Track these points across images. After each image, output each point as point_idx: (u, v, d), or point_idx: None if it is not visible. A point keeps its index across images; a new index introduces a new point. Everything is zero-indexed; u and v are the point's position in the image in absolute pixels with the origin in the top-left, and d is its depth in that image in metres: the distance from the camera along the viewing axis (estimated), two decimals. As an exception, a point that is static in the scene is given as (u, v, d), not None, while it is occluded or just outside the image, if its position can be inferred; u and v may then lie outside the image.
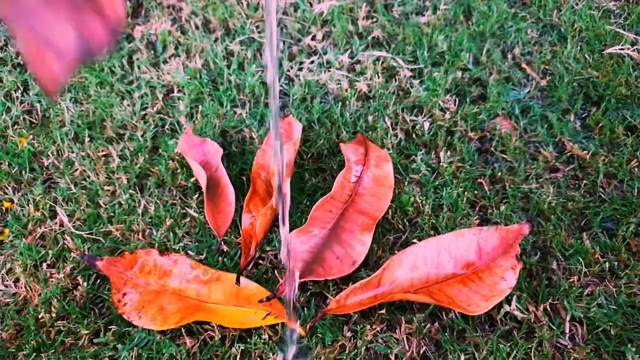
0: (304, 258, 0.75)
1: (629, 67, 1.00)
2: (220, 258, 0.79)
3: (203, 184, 0.82)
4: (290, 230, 0.81)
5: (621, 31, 1.08)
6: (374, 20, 1.13)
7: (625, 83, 0.98)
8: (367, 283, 0.71)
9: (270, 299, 0.71)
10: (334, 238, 0.77)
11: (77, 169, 0.90)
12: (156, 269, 0.74)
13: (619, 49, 1.04)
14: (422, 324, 0.71)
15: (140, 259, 0.74)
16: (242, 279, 0.74)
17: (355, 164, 0.84)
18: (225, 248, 0.80)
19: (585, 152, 0.89)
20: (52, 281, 0.76)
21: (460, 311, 0.70)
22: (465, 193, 0.84)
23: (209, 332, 0.71)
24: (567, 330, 0.71)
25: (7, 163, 0.91)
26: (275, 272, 0.77)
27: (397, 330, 0.71)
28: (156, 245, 0.80)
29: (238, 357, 0.69)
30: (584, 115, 0.96)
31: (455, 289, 0.71)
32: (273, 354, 0.69)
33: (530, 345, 0.69)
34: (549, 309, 0.73)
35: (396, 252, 0.77)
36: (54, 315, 0.73)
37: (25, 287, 0.76)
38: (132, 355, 0.69)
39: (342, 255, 0.76)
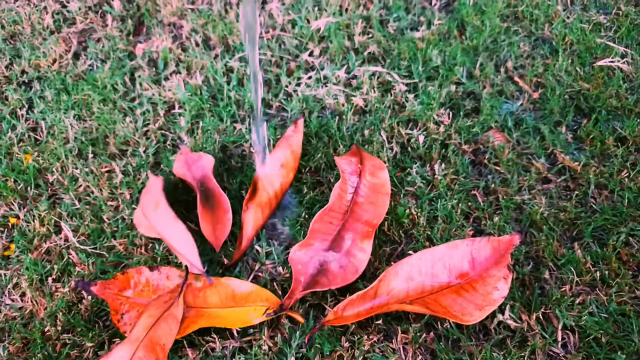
0: (308, 270, 0.77)
1: (619, 79, 1.03)
2: (220, 270, 0.81)
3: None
4: (291, 244, 0.83)
5: (611, 44, 1.10)
6: (370, 36, 1.16)
7: (616, 95, 1.01)
8: (364, 294, 0.73)
9: (277, 313, 0.73)
10: (335, 248, 0.79)
11: (81, 185, 0.92)
12: (149, 285, 0.76)
13: (609, 62, 1.07)
14: (418, 334, 0.73)
15: (132, 278, 0.76)
16: (237, 281, 0.76)
17: (350, 174, 0.86)
18: (225, 261, 0.82)
19: (577, 163, 0.91)
20: (58, 295, 0.78)
21: (454, 321, 0.72)
22: (460, 205, 0.87)
23: (210, 343, 0.73)
24: (560, 339, 0.73)
25: (13, 180, 0.93)
26: (275, 284, 0.79)
27: (393, 340, 0.73)
28: (158, 259, 0.82)
29: (239, 367, 0.71)
30: (575, 127, 0.98)
31: (449, 298, 0.73)
32: (273, 365, 0.71)
33: (523, 354, 0.71)
34: (541, 317, 0.74)
35: (392, 263, 0.79)
36: (59, 328, 0.75)
37: (31, 301, 0.78)
38: (135, 367, 0.71)
39: (345, 264, 0.78)
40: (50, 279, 0.80)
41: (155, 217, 0.79)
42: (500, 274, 0.72)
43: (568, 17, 1.17)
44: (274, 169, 0.84)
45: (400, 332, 0.73)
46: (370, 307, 0.73)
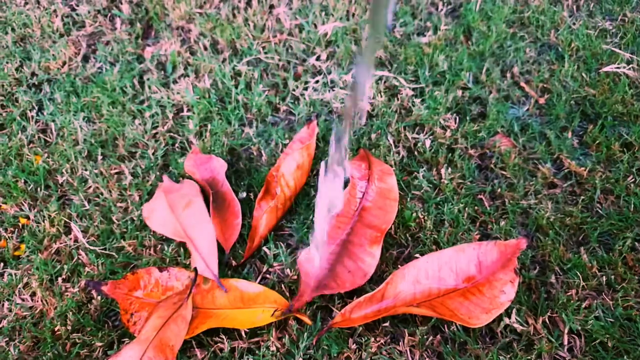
0: (317, 274, 0.78)
1: (624, 85, 1.03)
2: (229, 271, 0.82)
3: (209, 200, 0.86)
4: (299, 247, 0.84)
5: (617, 50, 1.11)
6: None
7: (622, 101, 1.01)
8: (371, 297, 0.74)
9: (286, 316, 0.74)
10: (344, 252, 0.80)
11: (90, 186, 0.93)
12: (158, 286, 0.77)
13: (615, 68, 1.07)
14: (425, 337, 0.74)
15: (141, 279, 0.77)
16: (245, 282, 0.76)
17: (359, 179, 0.86)
18: (234, 263, 0.82)
19: (583, 168, 0.92)
20: (67, 295, 0.79)
21: (461, 324, 0.72)
22: (466, 209, 0.87)
23: (218, 344, 0.73)
24: (566, 343, 0.73)
25: (23, 181, 0.94)
26: (282, 285, 0.80)
27: (400, 343, 0.74)
28: (167, 260, 0.82)
29: (247, 368, 0.72)
30: (581, 133, 0.99)
31: (456, 302, 0.73)
32: (280, 366, 0.72)
33: (529, 357, 0.71)
34: (547, 321, 0.75)
35: (399, 266, 0.80)
36: (69, 328, 0.75)
37: (42, 301, 0.79)
38: (144, 367, 0.71)
39: (354, 268, 0.78)
40: (60, 279, 0.81)
41: (184, 215, 0.80)
42: (507, 277, 0.73)
43: (574, 24, 1.18)
44: (290, 168, 0.85)
45: (407, 334, 0.74)
46: (377, 309, 0.74)
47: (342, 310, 0.74)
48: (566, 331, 0.74)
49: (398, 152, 0.96)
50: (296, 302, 0.75)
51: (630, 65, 1.08)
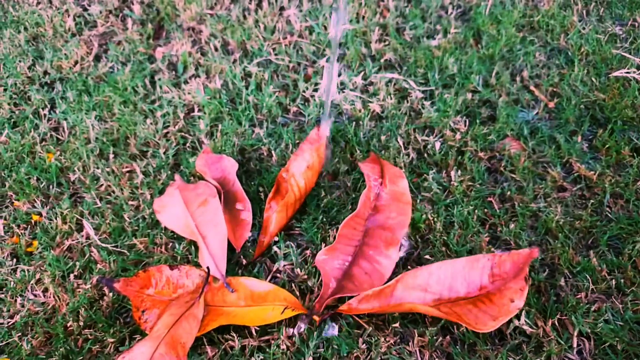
0: (335, 275, 0.78)
1: (634, 90, 1.03)
2: (239, 270, 0.82)
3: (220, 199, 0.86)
4: (308, 247, 0.85)
5: (627, 55, 1.11)
6: (387, 43, 1.17)
7: (631, 105, 1.02)
8: (380, 291, 0.74)
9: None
10: (360, 254, 0.80)
11: (102, 184, 0.94)
12: (169, 284, 0.78)
13: (625, 73, 1.08)
14: (434, 337, 0.74)
15: (153, 277, 0.77)
16: (256, 280, 0.77)
17: (374, 181, 0.87)
18: (244, 261, 0.83)
19: (592, 172, 0.92)
20: (80, 291, 0.80)
21: (468, 327, 0.72)
22: (476, 211, 0.87)
23: (229, 341, 0.74)
24: (575, 345, 0.73)
25: (35, 178, 0.95)
26: (292, 284, 0.80)
27: (410, 343, 0.74)
28: (178, 258, 0.83)
29: (257, 366, 0.72)
30: (590, 137, 0.99)
31: (465, 309, 0.73)
32: (290, 364, 0.72)
33: (539, 359, 0.71)
34: (557, 324, 0.75)
35: (409, 267, 0.80)
36: (81, 323, 0.76)
37: (54, 297, 0.80)
38: (155, 364, 0.72)
39: (370, 270, 0.79)
40: (72, 276, 0.82)
41: (198, 211, 0.81)
42: (517, 286, 0.72)
43: (584, 28, 1.18)
44: (300, 169, 0.86)
45: (416, 335, 0.74)
46: (386, 303, 0.74)
47: (350, 300, 0.74)
48: (575, 334, 0.74)
49: (408, 154, 0.97)
50: (317, 303, 0.76)
51: (640, 70, 1.08)
